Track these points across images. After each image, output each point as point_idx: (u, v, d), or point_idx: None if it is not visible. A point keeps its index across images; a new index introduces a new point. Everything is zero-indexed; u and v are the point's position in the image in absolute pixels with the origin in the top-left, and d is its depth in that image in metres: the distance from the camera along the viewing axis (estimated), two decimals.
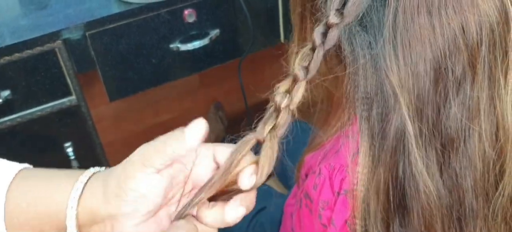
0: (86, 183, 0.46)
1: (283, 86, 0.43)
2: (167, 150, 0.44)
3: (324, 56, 0.43)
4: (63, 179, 0.47)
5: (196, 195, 0.44)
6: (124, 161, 0.45)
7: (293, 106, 0.43)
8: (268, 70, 1.69)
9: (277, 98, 0.43)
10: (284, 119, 0.43)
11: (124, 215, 0.44)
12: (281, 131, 0.43)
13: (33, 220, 0.47)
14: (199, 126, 0.44)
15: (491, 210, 0.48)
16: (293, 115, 0.43)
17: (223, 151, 0.46)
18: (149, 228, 0.45)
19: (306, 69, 0.43)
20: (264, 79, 1.70)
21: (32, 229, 0.47)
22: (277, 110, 0.43)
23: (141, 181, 0.43)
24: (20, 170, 0.49)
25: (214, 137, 1.65)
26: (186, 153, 0.44)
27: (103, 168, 0.48)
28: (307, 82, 0.43)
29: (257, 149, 0.45)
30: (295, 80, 0.43)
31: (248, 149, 0.43)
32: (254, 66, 1.65)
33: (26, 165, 0.50)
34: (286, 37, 1.17)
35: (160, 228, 0.46)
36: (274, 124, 0.43)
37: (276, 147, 0.43)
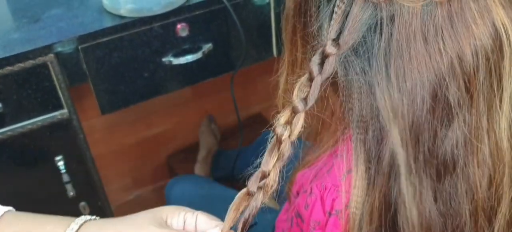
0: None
1: (283, 117, 0.44)
2: None
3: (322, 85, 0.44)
4: (53, 225, 0.48)
5: None
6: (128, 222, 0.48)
7: (294, 137, 0.44)
8: (260, 84, 1.69)
9: (278, 130, 0.43)
10: (286, 149, 0.44)
11: None
12: (283, 161, 0.44)
13: None
14: None
15: None
16: (294, 145, 0.44)
17: (204, 220, 0.49)
18: None
19: (305, 100, 0.43)
20: (256, 93, 1.70)
21: None
22: (279, 142, 0.44)
23: None
24: (4, 213, 0.49)
25: (206, 150, 1.64)
26: None
27: (94, 217, 0.50)
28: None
29: None
30: (294, 112, 0.44)
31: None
32: (246, 79, 1.65)
33: (10, 207, 0.51)
34: (278, 52, 1.17)
35: None
36: (278, 156, 0.44)
37: (276, 178, 0.45)
